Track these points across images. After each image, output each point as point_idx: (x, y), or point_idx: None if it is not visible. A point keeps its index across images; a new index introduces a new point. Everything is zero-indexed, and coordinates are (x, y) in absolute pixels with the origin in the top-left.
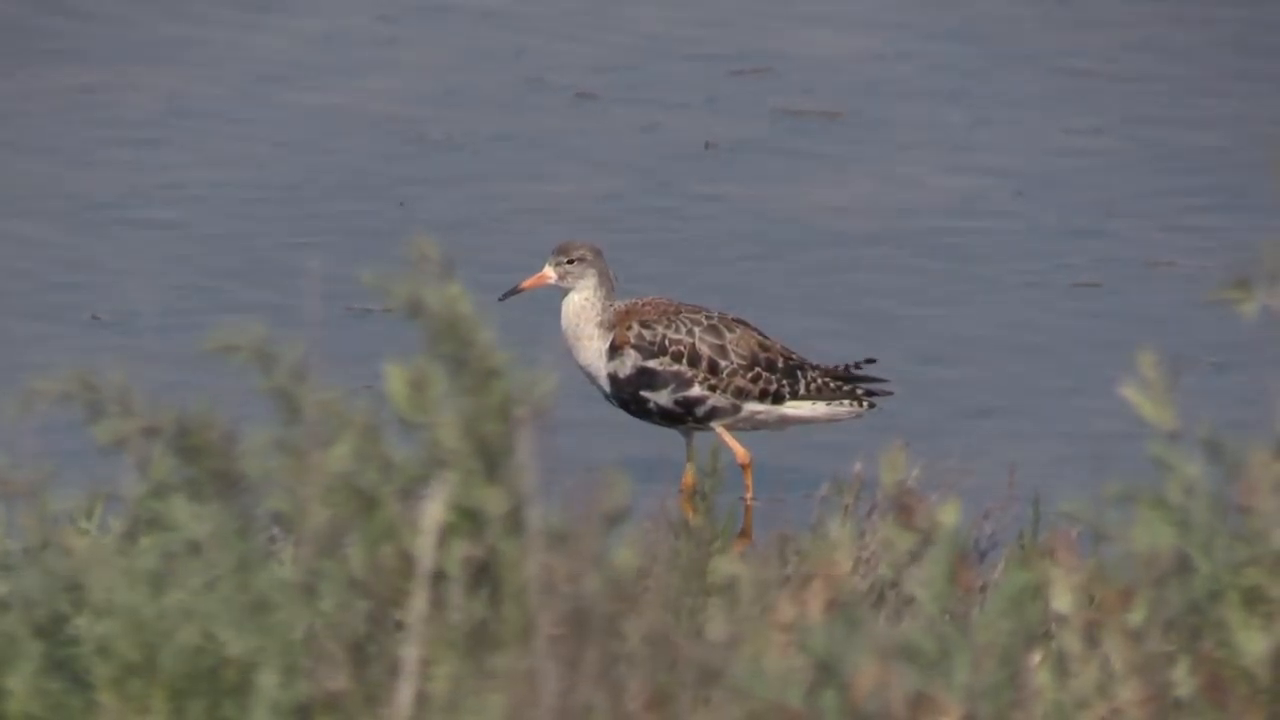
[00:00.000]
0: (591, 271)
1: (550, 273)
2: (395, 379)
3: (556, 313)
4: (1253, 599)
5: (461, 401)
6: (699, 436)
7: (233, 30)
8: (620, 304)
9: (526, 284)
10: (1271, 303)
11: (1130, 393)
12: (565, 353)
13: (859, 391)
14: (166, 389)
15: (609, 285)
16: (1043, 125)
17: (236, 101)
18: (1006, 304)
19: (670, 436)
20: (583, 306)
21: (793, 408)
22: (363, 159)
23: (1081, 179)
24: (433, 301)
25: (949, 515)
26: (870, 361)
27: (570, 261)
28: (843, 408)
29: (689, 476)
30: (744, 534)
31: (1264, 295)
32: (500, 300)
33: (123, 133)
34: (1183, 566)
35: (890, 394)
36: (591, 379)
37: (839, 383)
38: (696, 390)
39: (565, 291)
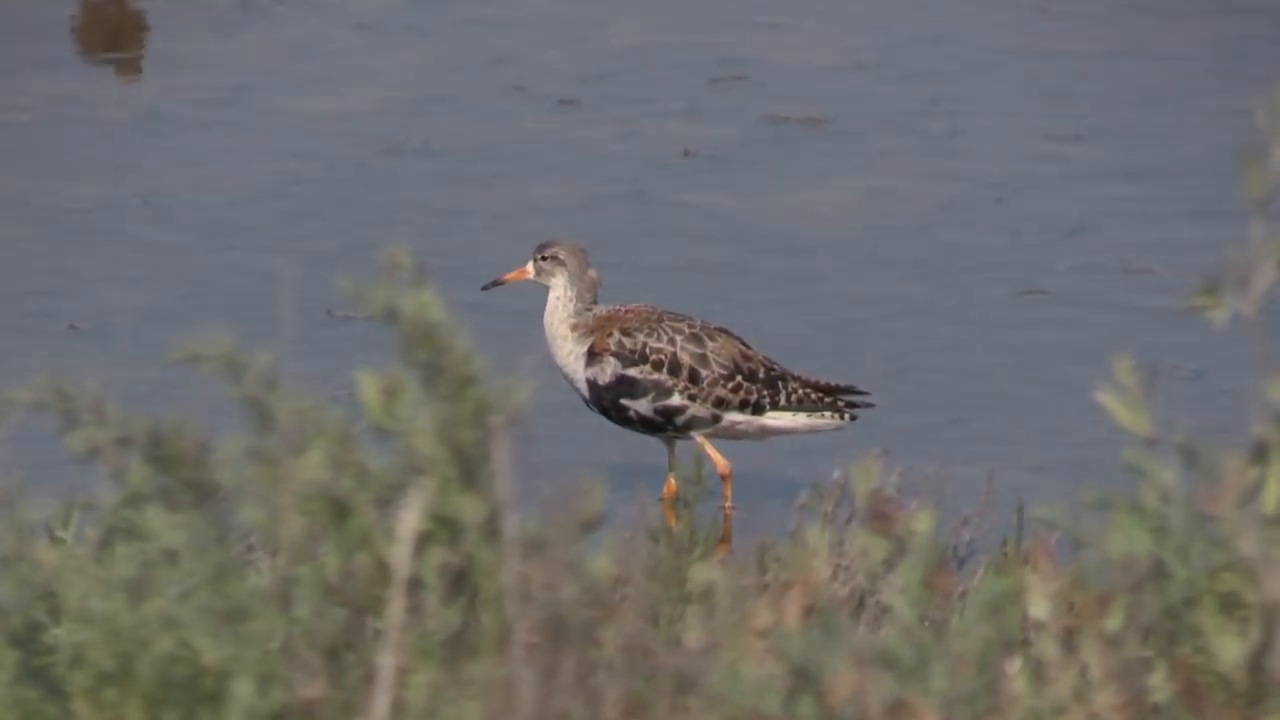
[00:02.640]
0: (561, 270)
1: (530, 268)
2: (368, 387)
3: (536, 317)
4: (1228, 604)
5: (437, 408)
6: (681, 444)
7: (211, 39)
8: (602, 309)
9: (508, 276)
10: (1241, 309)
11: (1106, 399)
12: (548, 354)
13: (840, 403)
14: (145, 398)
15: (580, 286)
16: (1022, 133)
17: (215, 110)
18: (985, 311)
19: (651, 443)
20: (554, 305)
21: (773, 418)
22: (342, 167)
23: (1060, 186)
24: (408, 308)
25: (924, 522)
26: (864, 393)
27: (544, 259)
28: (823, 419)
29: (671, 484)
30: (724, 541)
31: (1233, 302)
32: (483, 290)
33: (100, 141)
34: (1159, 572)
35: (872, 405)
36: (569, 382)
37: (820, 394)
38: (676, 399)
39: (547, 289)
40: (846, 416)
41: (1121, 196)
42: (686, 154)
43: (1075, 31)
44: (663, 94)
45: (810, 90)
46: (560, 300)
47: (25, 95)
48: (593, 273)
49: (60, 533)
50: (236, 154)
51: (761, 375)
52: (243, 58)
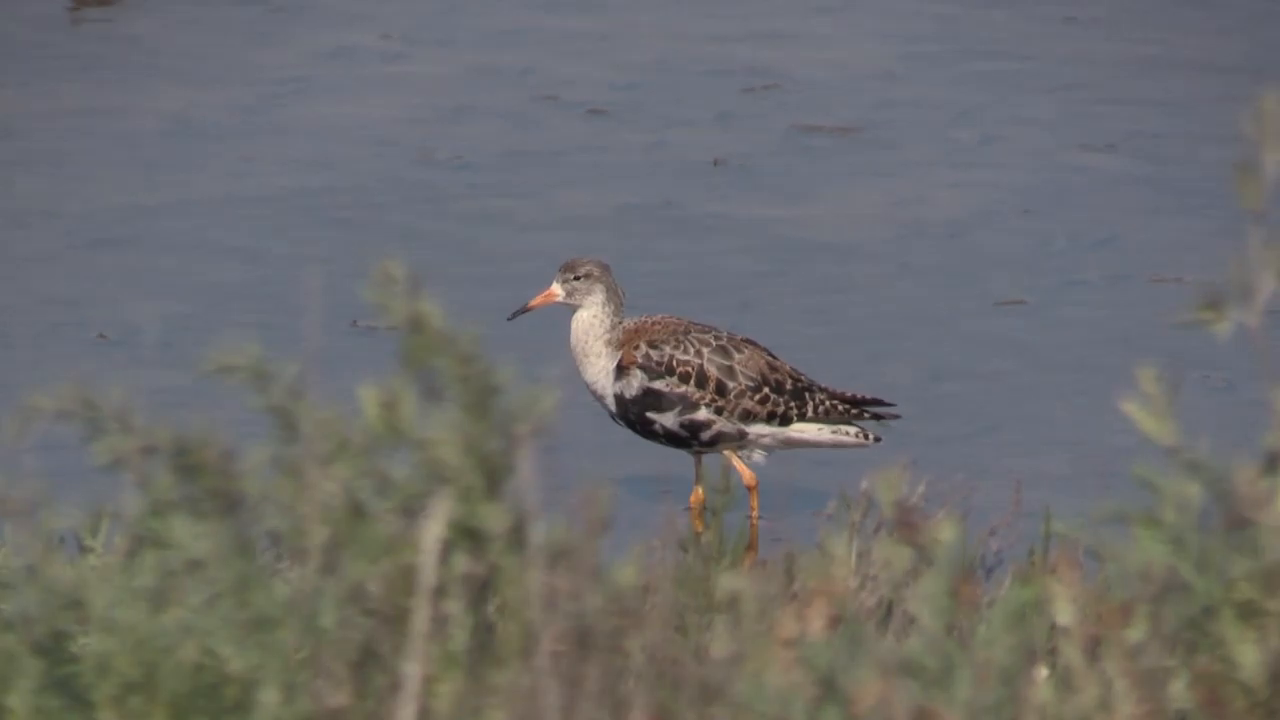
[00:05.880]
0: (599, 287)
1: (557, 290)
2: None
3: (566, 330)
4: (1248, 613)
5: (461, 418)
6: (707, 456)
7: (239, 48)
8: (630, 322)
9: (535, 302)
10: (1245, 321)
11: (1131, 408)
12: (573, 369)
13: (867, 415)
14: (172, 407)
15: (617, 301)
16: (1052, 142)
17: (243, 119)
18: (1014, 320)
19: (679, 454)
20: (590, 323)
21: (799, 430)
22: (370, 176)
23: (1089, 196)
24: (432, 317)
25: (948, 532)
26: (890, 404)
27: (577, 278)
28: (849, 437)
29: (698, 494)
30: (749, 550)
31: (1237, 314)
32: (509, 319)
33: (129, 150)
34: (1180, 582)
35: (898, 417)
36: (597, 397)
37: (847, 406)
38: (703, 413)
39: (574, 309)
40: (871, 437)
41: (1151, 206)
42: (716, 163)
43: (1105, 41)
44: (692, 103)
45: (840, 100)
46: (598, 317)
47: (54, 104)
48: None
49: (89, 542)
50: (265, 163)
51: (789, 387)
52: (272, 67)
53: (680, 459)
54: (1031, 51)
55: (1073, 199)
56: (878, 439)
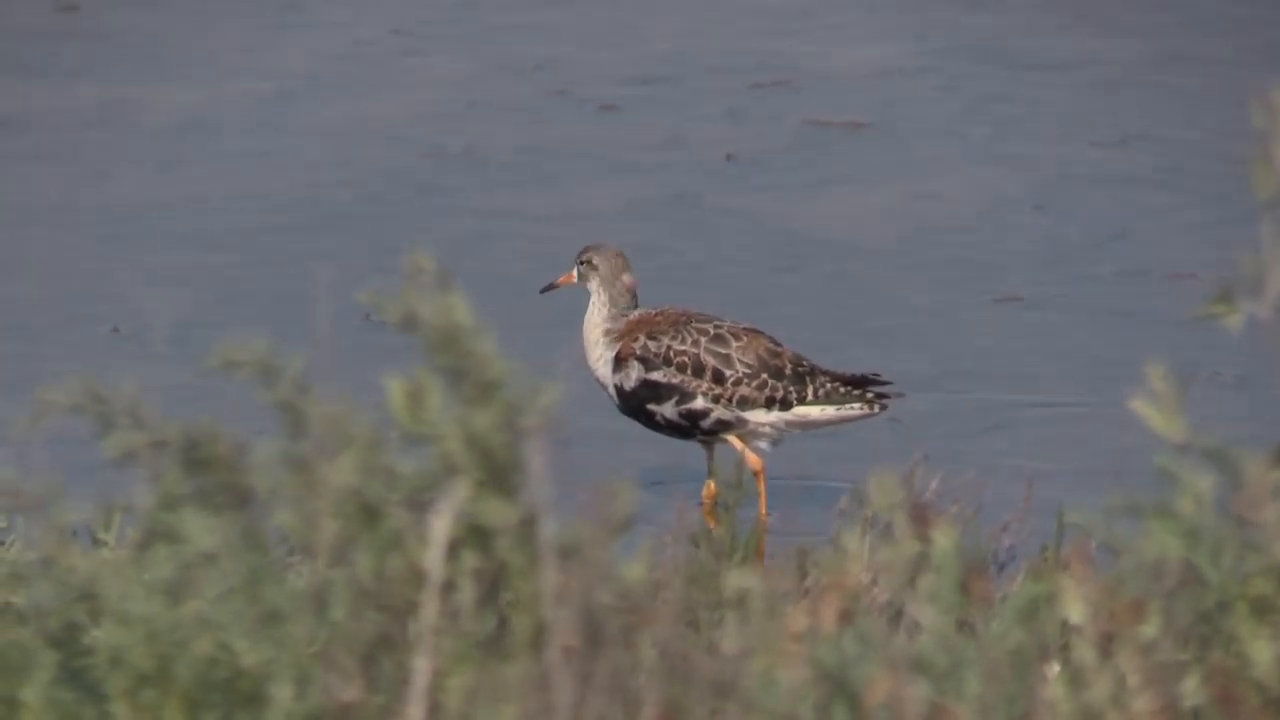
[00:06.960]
0: (594, 275)
1: (574, 272)
2: (395, 391)
3: (578, 322)
4: (1262, 609)
5: (464, 413)
6: (721, 448)
7: (252, 43)
8: (635, 314)
9: (561, 280)
10: (1257, 314)
11: (1140, 405)
12: (583, 357)
13: (869, 395)
14: (186, 402)
15: (613, 291)
16: (1064, 138)
17: (256, 114)
18: (1027, 316)
19: (691, 446)
20: (590, 310)
21: (802, 413)
22: (383, 172)
23: (1102, 192)
24: (430, 313)
25: (948, 532)
26: (888, 383)
27: (582, 263)
28: (854, 410)
29: (711, 487)
30: (758, 540)
31: (1249, 308)
32: (541, 292)
33: (143, 146)
34: (1194, 577)
35: (902, 395)
36: (601, 386)
37: (849, 388)
38: (700, 402)
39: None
40: (876, 407)
41: (1164, 202)
42: (728, 158)
43: (1118, 37)
44: (704, 99)
45: (852, 95)
46: (594, 305)
47: (67, 100)
48: (627, 278)
49: (102, 535)
50: (278, 158)
51: (789, 372)
52: (285, 62)
53: (686, 452)
54: (1043, 46)
55: (1085, 195)
56: (883, 407)
